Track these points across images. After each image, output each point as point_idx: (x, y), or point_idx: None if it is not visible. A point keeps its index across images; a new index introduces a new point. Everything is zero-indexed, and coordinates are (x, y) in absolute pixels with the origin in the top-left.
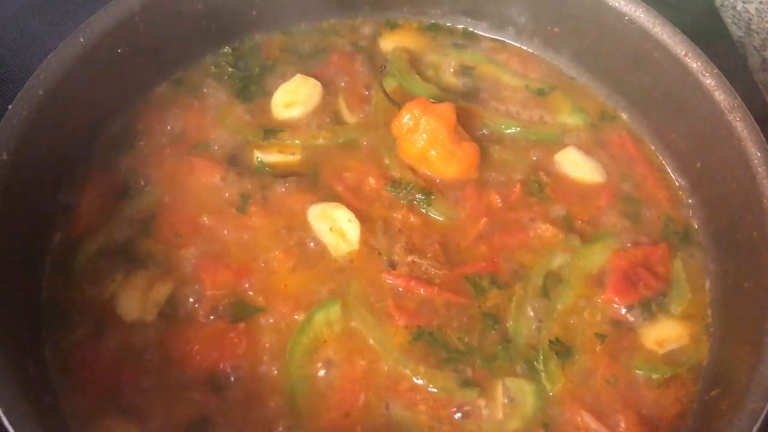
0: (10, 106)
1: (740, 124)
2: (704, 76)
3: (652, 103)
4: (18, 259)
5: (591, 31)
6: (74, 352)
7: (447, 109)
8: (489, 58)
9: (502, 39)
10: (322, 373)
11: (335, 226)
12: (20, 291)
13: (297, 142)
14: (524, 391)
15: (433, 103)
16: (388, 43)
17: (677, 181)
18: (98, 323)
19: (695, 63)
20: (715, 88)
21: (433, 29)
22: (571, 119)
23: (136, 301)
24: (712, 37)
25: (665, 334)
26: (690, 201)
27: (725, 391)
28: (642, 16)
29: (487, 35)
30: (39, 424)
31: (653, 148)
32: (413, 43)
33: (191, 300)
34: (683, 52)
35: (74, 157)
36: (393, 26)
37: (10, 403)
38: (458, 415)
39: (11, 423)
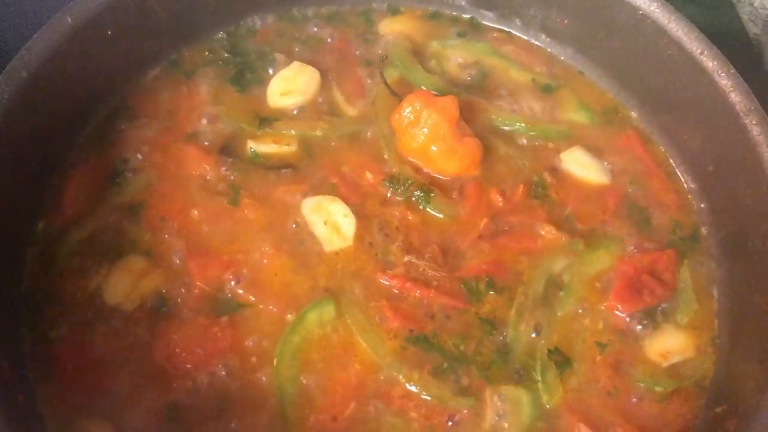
0: None
1: (756, 128)
2: (720, 76)
3: (664, 102)
4: None
5: (602, 25)
6: (54, 349)
7: (450, 103)
8: (494, 49)
9: (509, 30)
10: (311, 374)
11: (330, 220)
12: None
13: (293, 132)
14: (521, 400)
15: (436, 95)
16: (389, 31)
17: (687, 185)
18: (80, 318)
19: (711, 62)
20: (731, 89)
21: (436, 17)
22: (577, 116)
23: (124, 285)
24: (727, 33)
25: (670, 345)
26: (700, 206)
27: (732, 409)
28: (657, 11)
29: (492, 25)
30: (13, 426)
31: (663, 148)
32: (415, 31)
33: (179, 294)
34: (699, 50)
35: (60, 142)
36: (395, 12)
37: None
38: (451, 424)
39: None
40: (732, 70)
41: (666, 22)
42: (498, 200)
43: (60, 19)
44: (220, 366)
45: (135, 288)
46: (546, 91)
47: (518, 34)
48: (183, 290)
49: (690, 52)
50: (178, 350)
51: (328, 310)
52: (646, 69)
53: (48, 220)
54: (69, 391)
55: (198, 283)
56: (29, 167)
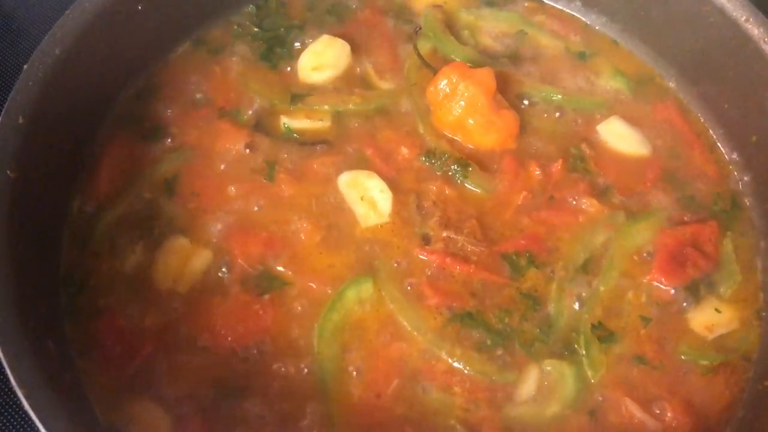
0: (25, 66)
1: None
2: (766, 43)
3: (704, 71)
4: (35, 228)
5: None
6: (93, 328)
7: (486, 75)
8: (526, 19)
9: None
10: (352, 352)
11: (366, 196)
12: (38, 262)
13: (325, 107)
14: (564, 374)
15: (471, 68)
16: (420, 1)
17: (728, 156)
18: (118, 296)
19: (757, 29)
20: None
21: None
22: (613, 82)
23: (173, 268)
24: None
25: (714, 318)
26: (743, 177)
27: None
28: None
29: None
30: (61, 407)
31: (702, 119)
32: (446, 1)
33: (221, 271)
34: (743, 17)
35: (93, 120)
36: None
37: (31, 384)
38: (495, 399)
39: (32, 407)
40: None
41: None
42: (536, 173)
43: None
44: (262, 343)
45: (183, 268)
46: (580, 58)
47: (550, 2)
48: (224, 268)
49: (734, 19)
50: (219, 327)
51: (366, 288)
52: (686, 37)
53: (83, 199)
54: (111, 371)
55: (239, 260)
56: (63, 146)
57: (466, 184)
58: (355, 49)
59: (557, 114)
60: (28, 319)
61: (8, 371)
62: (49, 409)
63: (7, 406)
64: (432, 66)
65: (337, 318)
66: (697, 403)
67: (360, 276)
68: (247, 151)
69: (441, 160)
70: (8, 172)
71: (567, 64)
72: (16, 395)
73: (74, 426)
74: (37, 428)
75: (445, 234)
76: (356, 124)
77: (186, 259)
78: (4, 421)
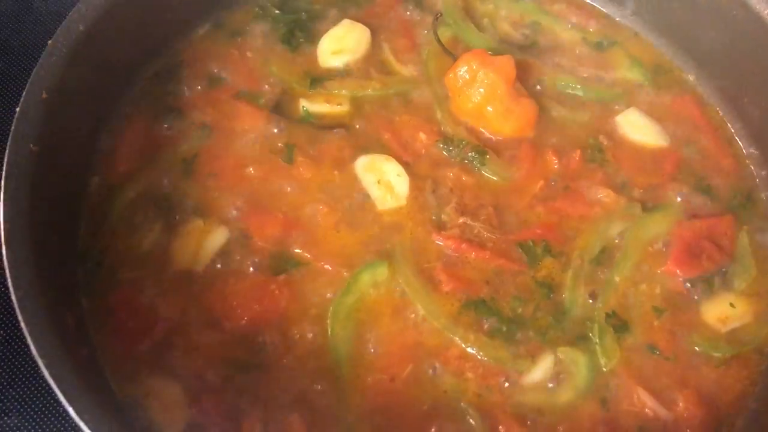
0: (49, 42)
1: None
2: None
3: (724, 65)
4: (55, 203)
5: None
6: (111, 303)
7: (507, 63)
8: (545, 8)
9: None
10: (366, 335)
11: (383, 179)
12: (57, 237)
13: (344, 92)
14: (578, 362)
15: (492, 55)
16: None
17: (746, 150)
18: (135, 274)
19: None
20: None
21: None
22: (631, 74)
23: (190, 248)
24: None
25: (728, 312)
26: (760, 171)
27: None
28: None
29: None
30: (79, 376)
31: (721, 113)
32: None
33: (237, 251)
34: (767, 11)
35: (114, 98)
36: None
37: (51, 355)
38: (508, 385)
39: (52, 376)
40: None
41: None
42: (554, 162)
43: None
44: (277, 323)
45: (201, 248)
46: (599, 48)
47: None
48: (241, 248)
49: (757, 12)
50: (235, 306)
51: (381, 271)
52: (706, 31)
53: (101, 177)
54: (128, 347)
55: (256, 240)
56: (84, 122)
57: (483, 172)
58: (375, 34)
59: (575, 103)
60: (47, 293)
61: (29, 341)
62: (69, 378)
63: (25, 379)
64: (451, 53)
65: (352, 301)
66: (708, 394)
67: (375, 259)
68: (267, 132)
69: (458, 147)
70: (31, 145)
71: (585, 54)
72: (35, 366)
73: (92, 395)
74: (58, 399)
75: (461, 220)
76: (374, 110)
77: (203, 239)
78: (23, 395)
